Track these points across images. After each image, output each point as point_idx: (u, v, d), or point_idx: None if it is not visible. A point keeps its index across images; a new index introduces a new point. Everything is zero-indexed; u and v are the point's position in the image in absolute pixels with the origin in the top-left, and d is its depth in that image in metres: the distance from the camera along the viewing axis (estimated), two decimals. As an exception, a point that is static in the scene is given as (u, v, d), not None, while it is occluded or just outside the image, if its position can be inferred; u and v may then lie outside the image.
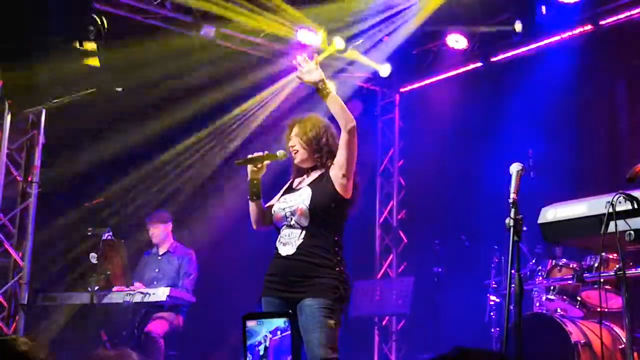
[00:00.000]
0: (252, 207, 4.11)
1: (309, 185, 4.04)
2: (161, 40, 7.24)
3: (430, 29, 7.94)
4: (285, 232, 3.97)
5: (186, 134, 7.70)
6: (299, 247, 3.90)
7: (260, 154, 4.07)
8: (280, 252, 3.95)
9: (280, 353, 2.20)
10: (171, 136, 7.55)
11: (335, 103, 3.95)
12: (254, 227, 4.16)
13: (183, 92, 7.50)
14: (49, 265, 6.47)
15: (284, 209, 3.99)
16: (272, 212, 4.06)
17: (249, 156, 4.07)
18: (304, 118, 4.18)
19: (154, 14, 7.46)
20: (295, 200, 3.98)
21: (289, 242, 3.93)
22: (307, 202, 3.92)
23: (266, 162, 4.08)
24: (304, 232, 3.91)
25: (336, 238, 3.96)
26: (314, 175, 4.12)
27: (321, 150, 4.09)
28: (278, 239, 4.01)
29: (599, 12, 7.12)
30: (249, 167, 4.07)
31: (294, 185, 4.17)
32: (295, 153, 4.12)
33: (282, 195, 4.15)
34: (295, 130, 4.14)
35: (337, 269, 3.89)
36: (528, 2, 7.35)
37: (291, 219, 3.95)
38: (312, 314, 3.77)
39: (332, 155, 4.08)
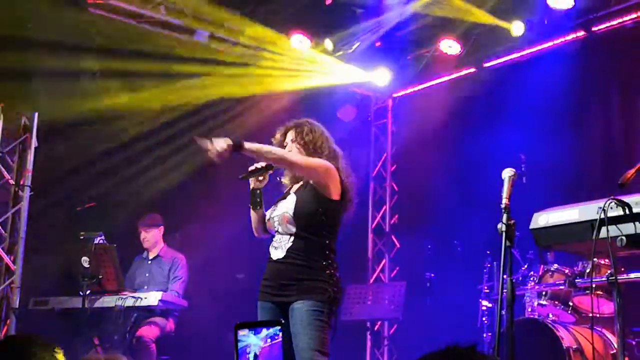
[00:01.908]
0: (254, 215, 4.14)
1: (295, 192, 4.06)
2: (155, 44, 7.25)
3: (423, 34, 7.96)
4: (277, 237, 4.00)
5: (179, 137, 7.68)
6: (288, 250, 3.91)
7: (262, 164, 4.01)
8: (272, 256, 3.98)
9: (272, 362, 2.20)
10: (164, 139, 7.52)
11: (260, 152, 3.85)
12: (255, 234, 4.18)
13: (176, 95, 7.49)
14: (41, 269, 6.43)
15: (273, 217, 4.02)
16: (266, 220, 4.08)
17: (251, 168, 4.02)
18: (297, 123, 4.15)
19: (148, 18, 7.47)
20: (281, 209, 3.99)
21: (279, 246, 3.95)
22: (291, 210, 3.94)
23: (269, 172, 4.06)
24: (292, 237, 3.93)
25: (327, 241, 3.95)
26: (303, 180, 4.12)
27: (315, 154, 4.07)
28: (271, 244, 4.03)
29: (591, 19, 7.14)
30: (252, 179, 4.04)
31: (290, 191, 4.16)
32: None
33: (277, 202, 4.14)
34: (290, 135, 4.12)
35: (328, 271, 3.88)
36: (522, 8, 7.36)
37: (279, 227, 3.96)
38: (301, 316, 3.77)
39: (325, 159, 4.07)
